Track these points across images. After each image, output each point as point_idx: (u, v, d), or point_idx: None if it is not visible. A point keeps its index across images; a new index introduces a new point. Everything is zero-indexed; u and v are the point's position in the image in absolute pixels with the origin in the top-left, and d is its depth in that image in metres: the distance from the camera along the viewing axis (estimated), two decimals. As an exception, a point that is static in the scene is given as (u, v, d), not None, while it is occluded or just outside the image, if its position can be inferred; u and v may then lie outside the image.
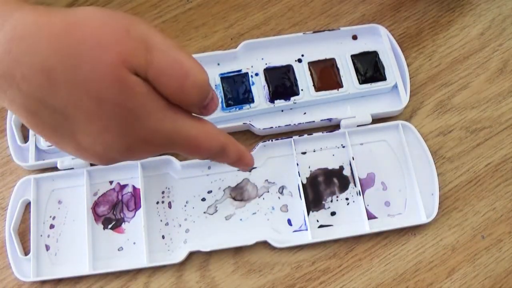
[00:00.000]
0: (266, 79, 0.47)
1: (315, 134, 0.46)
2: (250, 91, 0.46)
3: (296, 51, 0.48)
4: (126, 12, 0.31)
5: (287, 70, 0.47)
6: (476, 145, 0.46)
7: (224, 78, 0.47)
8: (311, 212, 0.43)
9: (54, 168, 0.45)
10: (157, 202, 0.44)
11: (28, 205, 0.44)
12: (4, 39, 0.25)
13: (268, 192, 0.44)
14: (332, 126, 0.47)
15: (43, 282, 0.42)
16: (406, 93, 0.46)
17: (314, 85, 0.46)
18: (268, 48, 0.48)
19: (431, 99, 0.48)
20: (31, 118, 0.27)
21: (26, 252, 0.43)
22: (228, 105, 0.46)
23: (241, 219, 0.43)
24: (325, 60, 0.47)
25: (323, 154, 0.46)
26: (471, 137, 0.46)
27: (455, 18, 0.51)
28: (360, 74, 0.47)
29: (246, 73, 0.47)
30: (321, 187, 0.44)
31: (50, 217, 0.44)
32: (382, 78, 0.47)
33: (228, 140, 0.32)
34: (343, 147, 0.46)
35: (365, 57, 0.47)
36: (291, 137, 0.45)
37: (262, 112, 0.46)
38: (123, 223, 0.44)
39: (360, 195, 0.43)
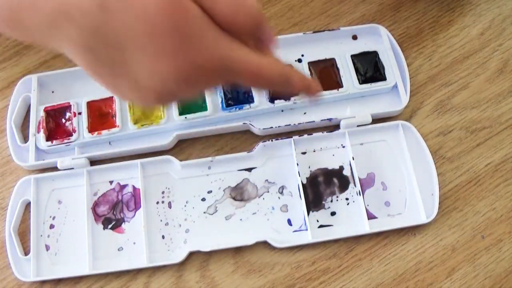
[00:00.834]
0: (266, 79, 0.46)
1: (315, 134, 0.46)
2: (250, 91, 0.46)
3: (296, 51, 0.48)
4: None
5: (287, 70, 0.47)
6: (476, 145, 0.46)
7: (224, 78, 0.47)
8: (311, 212, 0.43)
9: (54, 168, 0.45)
10: (157, 202, 0.44)
11: (28, 205, 0.44)
12: None
13: (268, 192, 0.44)
14: (332, 126, 0.47)
15: (43, 282, 0.42)
16: (406, 93, 0.46)
17: (314, 85, 0.46)
18: (268, 48, 0.48)
19: (431, 99, 0.48)
20: (87, 55, 0.27)
21: (26, 252, 0.43)
22: (228, 105, 0.46)
23: (241, 219, 0.43)
24: (325, 60, 0.47)
25: (323, 154, 0.45)
26: (471, 137, 0.46)
27: (455, 18, 0.51)
28: (360, 74, 0.47)
29: (246, 73, 0.47)
30: (321, 187, 0.44)
31: (50, 217, 0.44)
32: (382, 78, 0.47)
33: (292, 70, 0.31)
34: (343, 147, 0.46)
35: (365, 57, 0.47)
36: (291, 137, 0.45)
37: (262, 112, 0.46)
38: (123, 223, 0.44)
39: (360, 195, 0.43)
